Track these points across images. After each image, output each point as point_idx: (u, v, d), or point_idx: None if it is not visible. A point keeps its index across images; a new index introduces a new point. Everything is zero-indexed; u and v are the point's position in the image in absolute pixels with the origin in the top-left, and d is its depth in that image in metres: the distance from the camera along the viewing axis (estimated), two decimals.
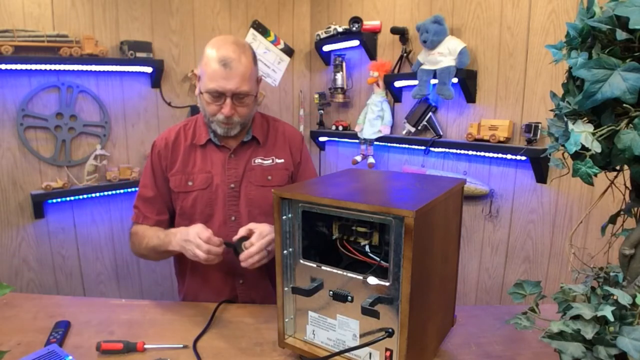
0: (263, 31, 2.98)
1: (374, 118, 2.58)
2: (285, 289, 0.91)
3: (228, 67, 1.16)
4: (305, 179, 1.39)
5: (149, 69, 2.50)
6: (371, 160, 2.65)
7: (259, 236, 1.11)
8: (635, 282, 0.62)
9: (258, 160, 1.33)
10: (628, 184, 0.69)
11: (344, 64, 2.83)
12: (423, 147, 2.40)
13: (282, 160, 1.35)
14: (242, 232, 1.14)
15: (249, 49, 1.23)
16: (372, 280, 0.78)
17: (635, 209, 0.68)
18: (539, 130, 1.90)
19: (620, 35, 0.55)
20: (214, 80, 1.17)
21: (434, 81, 2.23)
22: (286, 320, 0.92)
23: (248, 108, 1.24)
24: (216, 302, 1.20)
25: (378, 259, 0.83)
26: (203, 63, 1.20)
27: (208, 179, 1.30)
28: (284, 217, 0.88)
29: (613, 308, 0.57)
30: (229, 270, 1.30)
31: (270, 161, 1.34)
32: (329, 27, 2.79)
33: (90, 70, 2.37)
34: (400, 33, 2.45)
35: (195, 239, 1.10)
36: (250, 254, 1.09)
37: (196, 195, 1.29)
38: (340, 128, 2.91)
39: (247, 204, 1.30)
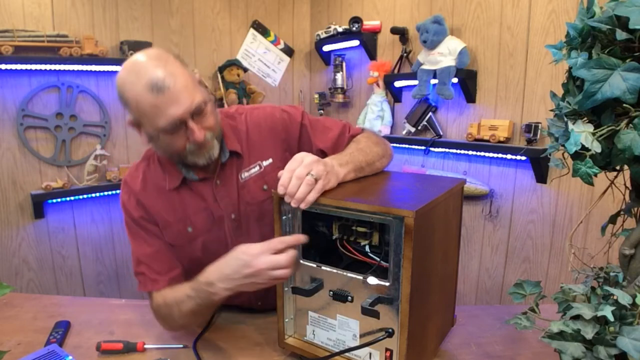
0: (263, 31, 2.98)
1: (374, 118, 2.58)
2: (285, 289, 0.91)
3: (164, 88, 0.87)
4: (324, 137, 1.10)
5: None
6: None
7: (294, 163, 0.85)
8: (635, 282, 0.62)
9: (245, 174, 1.06)
10: (628, 184, 0.69)
11: (344, 64, 2.83)
12: (423, 147, 2.40)
13: (270, 160, 1.08)
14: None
15: (165, 53, 0.95)
16: (372, 280, 0.78)
17: (635, 209, 0.68)
18: (539, 130, 1.90)
19: (620, 35, 0.54)
20: (160, 114, 0.89)
21: (434, 81, 2.23)
22: (286, 320, 0.92)
23: (213, 116, 0.98)
24: None
25: (378, 259, 0.83)
26: (132, 105, 0.90)
27: (209, 216, 1.04)
28: (283, 217, 0.88)
29: (613, 308, 0.57)
30: None
31: (258, 168, 1.07)
32: (329, 27, 2.79)
33: (90, 70, 2.37)
34: (400, 33, 2.45)
35: (261, 263, 0.82)
36: (287, 187, 0.82)
37: (204, 239, 1.05)
38: None
39: (257, 226, 1.06)
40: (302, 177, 0.82)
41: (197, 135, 0.92)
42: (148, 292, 1.04)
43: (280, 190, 0.83)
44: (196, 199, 1.05)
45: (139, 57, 0.93)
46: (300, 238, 0.85)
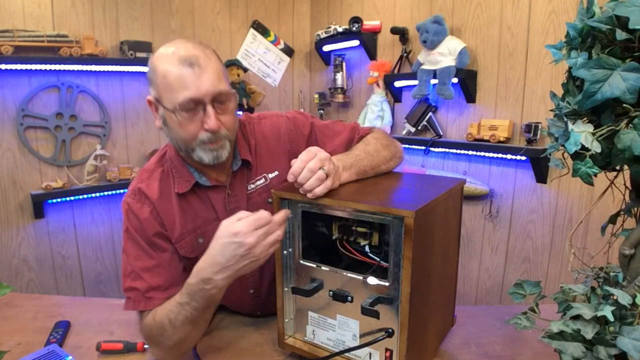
0: (263, 31, 2.98)
1: (374, 118, 2.58)
2: (285, 289, 0.91)
3: (196, 65, 0.87)
4: (333, 142, 1.10)
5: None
6: None
7: (308, 155, 0.84)
8: (635, 282, 0.62)
9: (251, 186, 1.04)
10: (628, 184, 0.69)
11: (344, 64, 2.83)
12: (423, 147, 2.40)
13: (276, 173, 1.06)
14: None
15: (209, 46, 0.95)
16: (372, 280, 0.78)
17: (635, 209, 0.68)
18: (539, 130, 1.90)
19: (620, 35, 0.54)
20: (183, 88, 0.87)
21: (434, 81, 2.23)
22: (286, 320, 0.92)
23: (232, 116, 0.95)
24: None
25: (378, 259, 0.83)
26: (159, 76, 0.89)
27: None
28: None
29: (613, 308, 0.57)
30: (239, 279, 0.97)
31: (263, 180, 1.05)
32: (329, 27, 2.79)
33: (90, 70, 2.37)
34: (400, 33, 2.45)
35: (251, 236, 0.77)
36: (297, 176, 0.81)
37: None
38: None
39: None
40: (314, 170, 0.81)
41: (212, 122, 0.89)
42: (139, 312, 0.93)
43: (290, 178, 0.82)
44: (207, 208, 1.01)
45: (182, 40, 0.93)
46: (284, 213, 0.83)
